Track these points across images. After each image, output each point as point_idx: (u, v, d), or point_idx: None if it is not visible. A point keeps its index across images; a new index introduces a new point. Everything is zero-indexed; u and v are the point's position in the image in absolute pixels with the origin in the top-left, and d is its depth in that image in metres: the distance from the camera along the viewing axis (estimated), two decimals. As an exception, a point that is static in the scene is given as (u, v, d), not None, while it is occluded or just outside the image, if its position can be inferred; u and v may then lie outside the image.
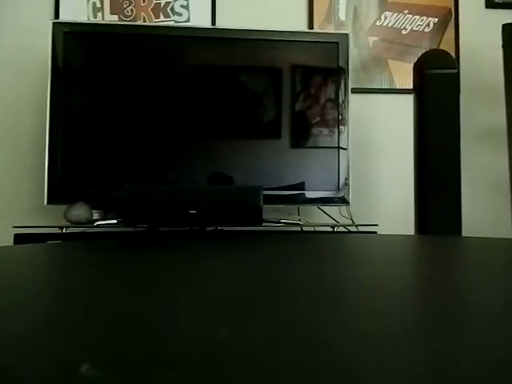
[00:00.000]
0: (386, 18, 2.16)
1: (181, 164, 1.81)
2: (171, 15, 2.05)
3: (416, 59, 1.86)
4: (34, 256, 0.71)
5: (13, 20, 1.99)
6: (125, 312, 0.30)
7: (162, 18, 2.05)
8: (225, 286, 0.40)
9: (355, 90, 2.01)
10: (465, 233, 1.78)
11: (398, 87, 2.14)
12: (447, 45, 2.14)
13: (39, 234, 1.57)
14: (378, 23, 2.16)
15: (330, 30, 2.11)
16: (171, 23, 2.04)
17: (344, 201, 1.84)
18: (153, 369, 0.19)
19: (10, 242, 1.56)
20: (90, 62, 1.80)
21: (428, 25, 2.16)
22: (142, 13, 2.04)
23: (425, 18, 2.16)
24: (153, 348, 0.22)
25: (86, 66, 1.80)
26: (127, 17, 2.03)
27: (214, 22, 2.06)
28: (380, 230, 1.73)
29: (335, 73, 1.87)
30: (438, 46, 2.14)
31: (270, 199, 1.72)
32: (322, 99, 1.87)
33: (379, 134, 2.12)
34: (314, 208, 1.93)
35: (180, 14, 2.06)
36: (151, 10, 2.05)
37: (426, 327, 0.27)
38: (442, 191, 1.70)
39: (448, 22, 2.17)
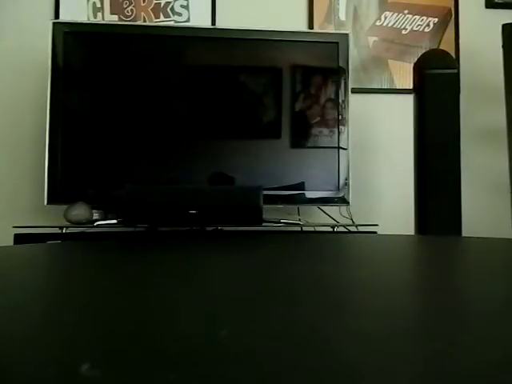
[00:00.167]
0: (385, 18, 2.16)
1: (181, 164, 1.81)
2: (171, 15, 2.05)
3: (416, 59, 1.86)
4: (34, 256, 0.71)
5: (13, 20, 1.99)
6: (125, 312, 0.30)
7: (161, 17, 2.05)
8: (225, 286, 0.40)
9: (355, 90, 2.01)
10: (465, 233, 1.78)
11: (397, 87, 2.14)
12: (447, 45, 2.14)
13: (39, 234, 1.57)
14: (378, 23, 2.16)
15: (330, 30, 2.11)
16: (171, 23, 2.04)
17: (344, 201, 1.84)
18: (153, 369, 0.19)
19: (10, 242, 1.56)
20: (90, 62, 1.80)
21: (428, 25, 2.16)
22: (142, 13, 2.04)
23: (425, 17, 2.17)
24: (153, 348, 0.22)
25: (85, 66, 1.80)
26: (127, 17, 2.03)
27: (214, 22, 2.06)
28: (380, 230, 1.73)
29: (335, 73, 1.87)
30: (438, 45, 2.14)
31: (270, 199, 1.72)
32: (322, 99, 1.87)
33: (379, 134, 2.12)
34: (314, 208, 1.93)
35: (180, 14, 2.06)
36: (151, 9, 2.05)
37: (426, 327, 0.27)
38: (442, 191, 1.70)
39: (448, 22, 2.17)
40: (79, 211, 1.64)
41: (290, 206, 1.88)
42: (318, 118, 1.86)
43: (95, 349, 0.22)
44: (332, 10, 2.13)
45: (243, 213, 1.59)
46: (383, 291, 0.38)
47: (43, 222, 1.80)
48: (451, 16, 2.18)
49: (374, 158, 2.12)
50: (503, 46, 1.84)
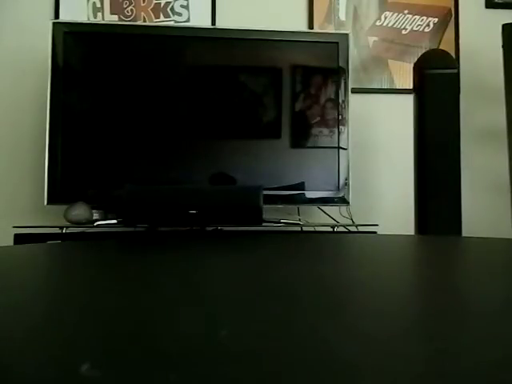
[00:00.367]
0: (385, 18, 2.16)
1: (181, 164, 1.81)
2: (171, 15, 2.05)
3: (416, 59, 1.86)
4: (34, 256, 0.71)
5: (13, 20, 1.99)
6: (125, 312, 0.30)
7: (162, 18, 2.05)
8: (225, 285, 0.40)
9: (355, 90, 2.01)
10: (465, 233, 1.78)
11: (397, 87, 2.14)
12: (447, 45, 2.14)
13: (39, 234, 1.57)
14: (378, 23, 2.16)
15: (330, 30, 2.11)
16: (171, 23, 2.04)
17: (344, 201, 1.84)
18: (153, 369, 0.19)
19: (10, 242, 1.56)
20: (90, 62, 1.80)
21: (428, 25, 2.16)
22: (142, 13, 2.04)
23: (425, 17, 2.17)
24: (153, 348, 0.22)
25: (85, 66, 1.80)
26: (127, 17, 2.03)
27: (214, 22, 2.06)
28: (380, 230, 1.73)
29: (335, 73, 1.87)
30: (438, 45, 2.15)
31: (270, 199, 1.72)
32: (322, 99, 1.87)
33: (379, 134, 2.12)
34: (314, 208, 1.93)
35: (180, 14, 2.06)
36: (151, 10, 2.05)
37: (426, 327, 0.27)
38: (442, 191, 1.70)
39: (448, 22, 2.17)
40: (79, 211, 1.64)
41: (290, 206, 1.88)
42: (318, 118, 1.86)
43: (95, 349, 0.22)
44: (332, 9, 2.13)
45: (243, 213, 1.59)
46: (383, 291, 0.38)
47: (43, 222, 1.80)
48: (451, 16, 2.18)
49: (374, 158, 2.12)
50: (503, 46, 1.84)
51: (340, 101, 1.86)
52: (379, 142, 2.12)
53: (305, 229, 1.80)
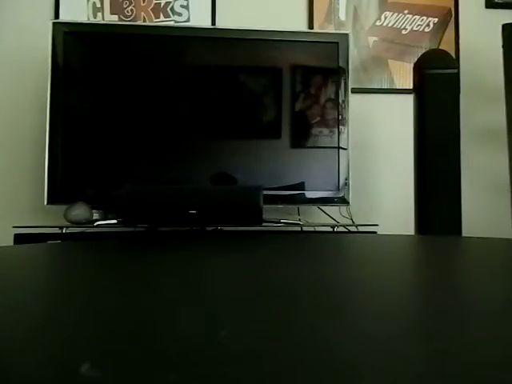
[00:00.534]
0: (385, 18, 2.16)
1: (181, 164, 1.81)
2: (171, 15, 2.05)
3: (416, 59, 1.86)
4: (34, 256, 0.71)
5: (13, 20, 1.99)
6: (124, 312, 0.30)
7: (161, 18, 2.05)
8: (225, 285, 0.40)
9: (355, 90, 2.01)
10: (465, 233, 1.78)
11: (397, 87, 2.14)
12: (447, 45, 2.14)
13: (39, 233, 1.57)
14: (378, 23, 2.16)
15: (330, 30, 2.11)
16: (171, 23, 2.04)
17: (344, 201, 1.84)
18: (153, 369, 0.19)
19: (10, 242, 1.56)
20: (90, 62, 1.80)
21: (428, 25, 2.16)
22: (142, 13, 2.04)
23: (425, 17, 2.17)
24: (153, 348, 0.22)
25: (86, 66, 1.80)
26: (127, 17, 2.03)
27: (214, 22, 2.06)
28: (380, 230, 1.73)
29: (335, 73, 1.87)
30: (438, 45, 2.15)
31: (270, 199, 1.72)
32: (322, 99, 1.87)
33: (379, 134, 2.12)
34: (314, 208, 1.93)
35: (180, 14, 2.06)
36: (151, 9, 2.05)
37: (426, 327, 0.27)
38: (442, 191, 1.70)
39: (448, 22, 2.17)
40: (79, 211, 1.64)
41: (290, 206, 1.88)
42: (318, 118, 1.86)
43: (95, 349, 0.22)
44: (332, 9, 2.13)
45: (243, 213, 1.59)
46: (383, 291, 0.38)
47: (43, 221, 1.80)
48: (451, 16, 2.18)
49: (374, 158, 2.12)
50: (503, 46, 1.84)
51: (340, 101, 1.86)
52: (379, 142, 2.12)
53: (305, 229, 1.80)
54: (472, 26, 2.18)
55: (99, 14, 2.01)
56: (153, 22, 2.04)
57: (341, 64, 1.86)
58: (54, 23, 1.76)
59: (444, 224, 1.68)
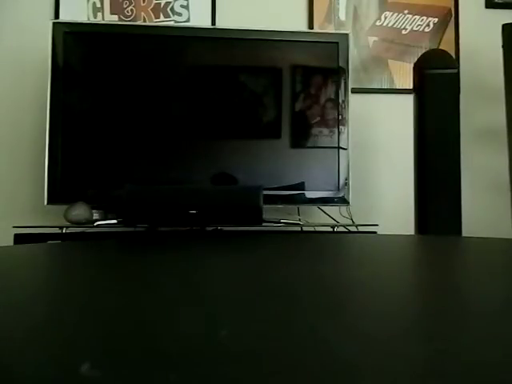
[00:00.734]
0: (385, 18, 2.16)
1: (181, 164, 1.81)
2: (171, 15, 2.05)
3: (416, 59, 1.86)
4: (34, 256, 0.71)
5: (13, 20, 1.99)
6: (125, 312, 0.30)
7: (161, 18, 2.05)
8: (225, 285, 0.40)
9: (355, 90, 2.01)
10: (465, 233, 1.78)
11: (397, 87, 2.14)
12: (447, 45, 2.14)
13: (39, 233, 1.57)
14: (378, 23, 2.16)
15: (330, 30, 2.11)
16: (171, 23, 2.04)
17: (344, 201, 1.84)
18: (153, 369, 0.19)
19: (10, 242, 1.56)
20: (90, 62, 1.80)
21: (428, 25, 2.16)
22: (142, 13, 2.04)
23: (425, 17, 2.17)
24: (153, 348, 0.22)
25: (86, 66, 1.80)
26: (127, 17, 2.03)
27: (214, 22, 2.06)
28: (380, 230, 1.72)
29: (335, 73, 1.87)
30: (438, 45, 2.14)
31: (270, 199, 1.72)
32: (322, 99, 1.87)
33: (379, 134, 2.12)
34: (314, 208, 1.93)
35: (180, 14, 2.06)
36: (151, 9, 2.05)
37: (426, 327, 0.27)
38: (442, 191, 1.70)
39: (448, 22, 2.17)
40: (79, 211, 1.64)
41: (290, 206, 1.88)
42: (318, 118, 1.86)
43: (95, 349, 0.22)
44: (332, 9, 2.13)
45: (243, 213, 1.59)
46: (383, 291, 0.38)
47: (43, 221, 1.80)
48: (451, 16, 2.18)
49: (374, 158, 2.12)
50: (503, 46, 1.84)
51: (340, 101, 1.86)
52: (379, 142, 2.12)
53: (305, 229, 1.79)
54: (472, 26, 2.18)
55: (99, 14, 2.01)
56: (153, 21, 2.04)
57: (341, 64, 1.86)
58: (54, 23, 1.76)
59: (444, 224, 1.68)
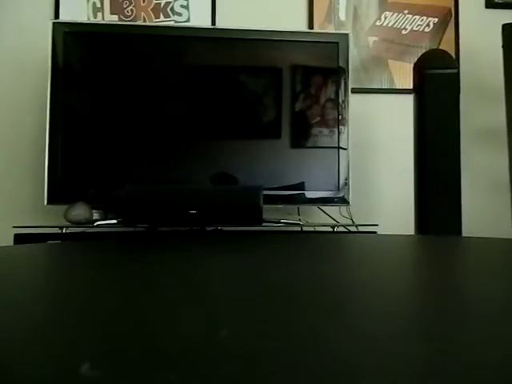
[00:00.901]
0: (385, 18, 2.16)
1: (181, 164, 1.81)
2: (171, 15, 2.05)
3: (416, 59, 1.86)
4: (34, 256, 0.71)
5: (13, 20, 1.99)
6: (125, 312, 0.30)
7: (161, 18, 2.05)
8: (225, 285, 0.40)
9: (355, 90, 2.01)
10: (465, 233, 1.78)
11: (397, 87, 2.14)
12: (447, 45, 2.14)
13: (39, 234, 1.57)
14: (378, 23, 2.16)
15: (330, 30, 2.11)
16: (171, 23, 2.04)
17: (344, 201, 1.84)
18: (153, 369, 0.19)
19: (10, 242, 1.56)
20: (90, 62, 1.80)
21: (428, 25, 2.16)
22: (142, 13, 2.04)
23: (425, 17, 2.16)
24: (153, 348, 0.22)
25: (86, 66, 1.80)
26: (127, 17, 2.03)
27: (214, 22, 2.06)
28: (380, 230, 1.72)
29: (335, 73, 1.87)
30: (438, 45, 2.14)
31: (270, 199, 1.72)
32: (322, 99, 1.87)
33: (379, 134, 2.12)
34: (314, 208, 1.93)
35: (180, 14, 2.06)
36: (151, 9, 2.05)
37: (426, 327, 0.27)
38: (442, 191, 1.70)
39: (448, 22, 2.17)
40: (79, 211, 1.64)
41: (290, 206, 1.88)
42: (318, 118, 1.86)
43: (95, 349, 0.22)
44: (332, 9, 2.13)
45: (243, 213, 1.59)
46: (383, 291, 0.38)
47: (43, 221, 1.80)
48: (451, 16, 2.18)
49: (374, 158, 2.12)
50: (503, 46, 1.84)
51: (340, 101, 1.86)
52: (379, 142, 2.12)
53: (305, 229, 1.79)
54: (472, 26, 2.18)
55: (99, 14, 2.01)
56: (153, 21, 2.04)
57: (341, 64, 1.86)
58: (54, 23, 1.76)
59: (444, 224, 1.68)
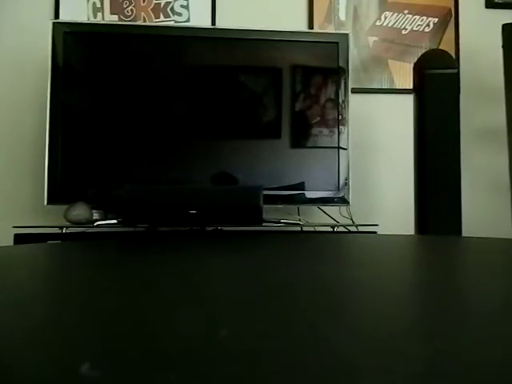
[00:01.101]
0: (385, 18, 2.16)
1: (181, 164, 1.81)
2: (171, 15, 2.05)
3: (416, 59, 1.86)
4: (34, 256, 0.71)
5: (13, 20, 1.99)
6: (125, 312, 0.30)
7: (161, 18, 2.05)
8: (225, 286, 0.40)
9: (355, 90, 2.01)
10: (465, 233, 1.78)
11: (397, 87, 2.14)
12: (447, 45, 2.13)
13: (39, 234, 1.57)
14: (378, 23, 2.16)
15: (330, 30, 2.11)
16: (171, 23, 2.04)
17: (344, 201, 1.84)
18: (153, 369, 0.19)
19: (10, 242, 1.56)
20: (90, 62, 1.80)
21: (428, 25, 2.16)
22: (142, 13, 2.04)
23: (425, 18, 2.16)
24: (153, 348, 0.22)
25: (86, 66, 1.80)
26: (127, 17, 2.03)
27: (214, 22, 2.06)
28: (380, 230, 1.72)
29: (335, 73, 1.87)
30: (438, 45, 2.14)
31: (270, 199, 1.72)
32: (322, 99, 1.87)
33: (379, 134, 2.12)
34: (314, 208, 1.93)
35: (180, 14, 2.06)
36: (151, 9, 2.05)
37: (426, 327, 0.27)
38: (442, 191, 1.70)
39: (448, 22, 2.17)
40: (79, 211, 1.64)
41: (290, 206, 1.87)
42: (318, 118, 1.86)
43: (95, 349, 0.22)
44: (332, 9, 2.13)
45: (243, 213, 1.59)
46: (383, 291, 0.38)
47: (43, 221, 1.80)
48: (451, 16, 2.18)
49: (374, 158, 2.12)
50: (503, 46, 1.84)
51: (340, 101, 1.86)
52: (379, 142, 2.12)
53: (305, 229, 1.79)
54: (472, 26, 2.18)
55: (99, 14, 2.01)
56: (153, 22, 2.04)
57: (341, 64, 1.86)
58: (53, 23, 1.76)
59: (444, 224, 1.68)
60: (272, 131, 1.86)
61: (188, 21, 2.06)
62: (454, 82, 1.77)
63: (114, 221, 1.67)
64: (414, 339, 0.24)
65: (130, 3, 2.03)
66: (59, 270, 0.54)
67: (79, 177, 1.74)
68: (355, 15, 2.14)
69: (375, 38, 2.15)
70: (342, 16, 2.14)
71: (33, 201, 1.87)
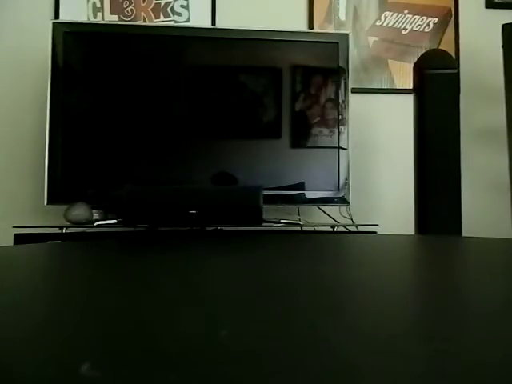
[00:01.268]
0: (385, 18, 2.16)
1: (181, 164, 1.81)
2: (171, 15, 2.05)
3: (416, 59, 1.86)
4: (34, 256, 0.71)
5: (13, 20, 1.99)
6: (124, 312, 0.30)
7: (161, 18, 2.05)
8: (225, 285, 0.40)
9: (355, 90, 2.01)
10: (465, 233, 1.78)
11: (397, 87, 2.14)
12: (447, 45, 2.13)
13: (39, 234, 1.57)
14: (378, 23, 2.16)
15: (330, 30, 2.11)
16: (171, 23, 2.04)
17: (344, 201, 1.84)
18: (153, 369, 0.19)
19: (10, 242, 1.56)
20: (90, 62, 1.80)
21: (428, 25, 2.16)
22: (142, 13, 2.04)
23: (425, 18, 2.16)
24: (153, 348, 0.22)
25: (86, 66, 1.80)
26: (127, 17, 2.03)
27: (214, 22, 2.06)
28: (380, 230, 1.72)
29: (335, 73, 1.87)
30: (438, 45, 2.14)
31: (270, 199, 1.72)
32: (322, 99, 1.87)
33: (379, 134, 2.12)
34: (314, 208, 1.93)
35: (180, 14, 2.06)
36: (151, 10, 2.05)
37: (426, 327, 0.27)
38: (442, 191, 1.70)
39: (448, 22, 2.17)
40: (79, 211, 1.64)
41: (290, 206, 1.87)
42: (318, 118, 1.86)
43: (95, 349, 0.22)
44: (332, 9, 2.13)
45: (243, 213, 1.59)
46: (383, 291, 0.38)
47: (43, 221, 1.80)
48: (451, 16, 2.18)
49: (374, 158, 2.12)
50: (503, 46, 1.84)
51: (340, 101, 1.86)
52: (379, 142, 2.12)
53: (305, 229, 1.79)
54: (472, 26, 2.18)
55: (99, 14, 2.01)
56: (153, 22, 2.04)
57: (341, 64, 1.86)
58: (53, 23, 1.76)
59: (444, 224, 1.68)
60: (272, 131, 1.86)
61: (188, 21, 2.06)
62: (454, 81, 1.77)
63: (114, 221, 1.67)
64: (414, 339, 0.24)
65: (130, 3, 2.03)
66: (59, 270, 0.54)
67: (79, 177, 1.74)
68: (355, 15, 2.14)
69: (375, 38, 2.15)
70: (342, 16, 2.14)
71: (33, 201, 1.87)
